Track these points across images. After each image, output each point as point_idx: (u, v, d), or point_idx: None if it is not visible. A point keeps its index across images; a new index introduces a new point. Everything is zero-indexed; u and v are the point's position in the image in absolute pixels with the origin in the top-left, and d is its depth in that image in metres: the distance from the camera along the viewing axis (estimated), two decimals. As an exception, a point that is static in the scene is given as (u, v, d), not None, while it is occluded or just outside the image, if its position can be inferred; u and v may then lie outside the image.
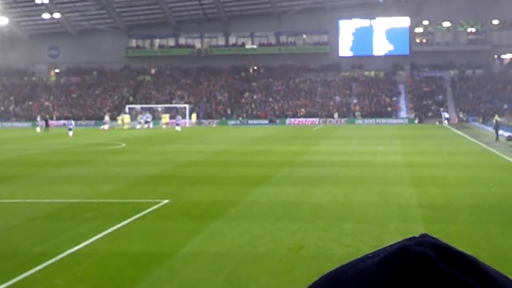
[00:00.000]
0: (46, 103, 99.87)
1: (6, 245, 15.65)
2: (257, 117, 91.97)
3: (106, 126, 76.87)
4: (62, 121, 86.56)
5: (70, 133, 61.69)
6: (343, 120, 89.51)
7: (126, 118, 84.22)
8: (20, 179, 28.04)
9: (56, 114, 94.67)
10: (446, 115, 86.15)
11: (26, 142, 54.37)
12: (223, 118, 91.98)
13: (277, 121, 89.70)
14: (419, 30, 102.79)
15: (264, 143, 49.73)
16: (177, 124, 76.06)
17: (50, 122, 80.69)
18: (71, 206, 21.12)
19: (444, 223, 17.84)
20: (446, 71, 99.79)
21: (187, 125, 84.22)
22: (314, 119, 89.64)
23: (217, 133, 67.29)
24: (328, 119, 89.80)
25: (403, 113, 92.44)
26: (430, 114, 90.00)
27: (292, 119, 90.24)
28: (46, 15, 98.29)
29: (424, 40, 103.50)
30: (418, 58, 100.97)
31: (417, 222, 17.93)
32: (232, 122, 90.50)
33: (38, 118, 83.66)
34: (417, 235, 1.03)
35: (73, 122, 67.11)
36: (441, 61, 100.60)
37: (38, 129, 76.89)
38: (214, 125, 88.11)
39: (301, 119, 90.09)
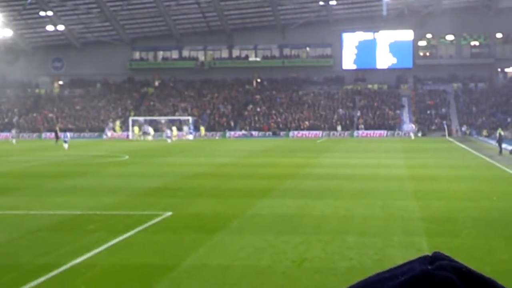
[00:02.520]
0: (50, 115, 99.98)
1: (8, 256, 15.65)
2: (261, 129, 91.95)
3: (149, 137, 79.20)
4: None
5: (65, 145, 61.17)
6: (346, 133, 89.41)
7: (174, 130, 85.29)
8: (23, 191, 28.06)
9: (60, 126, 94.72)
10: (412, 126, 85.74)
11: (29, 154, 54.41)
12: (226, 131, 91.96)
13: (281, 133, 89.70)
14: (422, 43, 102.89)
15: (267, 156, 49.71)
16: (168, 137, 78.06)
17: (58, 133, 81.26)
18: (73, 218, 21.13)
19: (447, 236, 17.81)
20: (450, 84, 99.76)
21: (183, 138, 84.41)
22: (317, 132, 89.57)
23: (219, 145, 67.27)
24: (331, 132, 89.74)
25: (406, 126, 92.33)
26: (433, 127, 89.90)
27: (295, 132, 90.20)
28: (50, 27, 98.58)
29: (427, 54, 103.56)
30: (421, 71, 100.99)
31: (420, 236, 17.91)
32: (232, 134, 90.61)
33: (13, 131, 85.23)
34: (429, 254, 1.03)
35: (68, 134, 67.08)
36: (445, 74, 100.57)
37: (14, 141, 77.87)
38: (217, 138, 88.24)
39: (304, 132, 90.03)
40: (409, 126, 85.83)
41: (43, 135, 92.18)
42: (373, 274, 1.03)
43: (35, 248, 16.40)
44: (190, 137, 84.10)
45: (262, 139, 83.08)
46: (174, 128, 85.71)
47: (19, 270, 14.19)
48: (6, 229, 19.05)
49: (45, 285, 13.12)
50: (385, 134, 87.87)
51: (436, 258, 1.02)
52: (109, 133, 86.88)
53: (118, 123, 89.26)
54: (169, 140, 76.84)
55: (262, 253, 15.76)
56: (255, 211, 22.09)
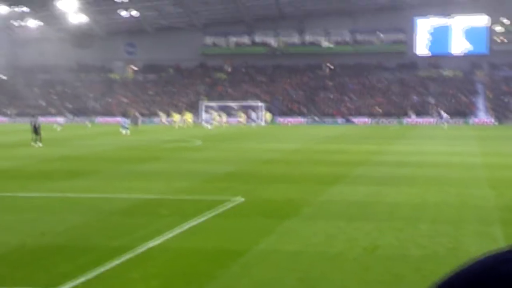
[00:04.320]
0: (123, 100, 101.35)
1: (83, 239, 15.90)
2: (332, 115, 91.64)
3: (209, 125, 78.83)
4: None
5: (123, 131, 60.52)
6: (395, 121, 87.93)
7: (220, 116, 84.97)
8: (97, 174, 28.50)
9: (134, 111, 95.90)
10: (444, 114, 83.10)
11: (103, 138, 55.27)
12: (299, 117, 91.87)
13: (352, 120, 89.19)
14: (498, 28, 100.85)
15: (338, 142, 49.52)
16: (206, 122, 79.30)
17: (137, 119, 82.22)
18: (146, 202, 21.36)
19: (523, 226, 17.44)
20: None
21: (253, 123, 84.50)
22: (365, 119, 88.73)
23: (290, 131, 67.22)
24: (380, 119, 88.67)
25: (481, 114, 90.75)
26: (511, 115, 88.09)
27: (339, 119, 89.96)
28: (123, 13, 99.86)
29: (503, 39, 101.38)
30: (497, 57, 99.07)
31: (495, 225, 17.58)
32: (280, 120, 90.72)
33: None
34: None
35: (126, 120, 64.94)
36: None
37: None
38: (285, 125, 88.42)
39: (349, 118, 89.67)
40: (443, 115, 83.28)
41: (96, 119, 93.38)
42: (503, 249, 0.98)
43: (109, 231, 16.63)
44: (262, 123, 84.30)
45: (331, 125, 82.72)
46: (242, 114, 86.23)
47: (93, 253, 14.41)
48: (81, 212, 19.38)
49: (118, 267, 13.30)
50: (459, 122, 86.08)
51: None
52: (165, 120, 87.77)
53: (185, 113, 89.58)
54: (209, 126, 76.54)
55: (334, 239, 15.68)
56: (327, 198, 22.01)
